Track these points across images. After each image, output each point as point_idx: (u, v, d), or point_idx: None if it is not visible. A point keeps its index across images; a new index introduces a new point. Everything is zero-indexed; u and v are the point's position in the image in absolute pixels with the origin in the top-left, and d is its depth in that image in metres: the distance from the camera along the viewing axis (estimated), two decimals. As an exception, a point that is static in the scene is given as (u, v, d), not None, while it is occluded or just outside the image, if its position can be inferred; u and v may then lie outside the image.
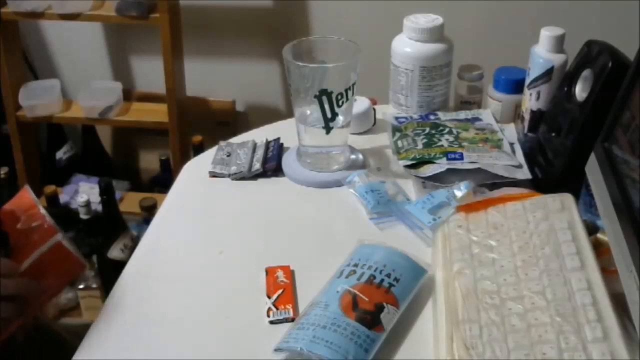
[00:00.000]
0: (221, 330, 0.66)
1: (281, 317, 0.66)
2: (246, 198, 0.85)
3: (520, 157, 0.85)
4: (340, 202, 0.83)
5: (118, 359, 0.63)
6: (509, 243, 0.68)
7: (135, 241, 1.50)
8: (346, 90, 0.80)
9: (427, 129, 0.90)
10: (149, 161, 1.97)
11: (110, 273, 1.51)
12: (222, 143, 0.95)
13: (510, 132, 0.91)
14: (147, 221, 1.40)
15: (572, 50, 0.84)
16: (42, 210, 0.67)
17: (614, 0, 1.53)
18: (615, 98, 0.67)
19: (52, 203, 1.57)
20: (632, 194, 0.59)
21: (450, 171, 0.81)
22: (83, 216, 1.50)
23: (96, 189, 1.61)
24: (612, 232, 0.62)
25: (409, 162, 0.84)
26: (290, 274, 0.71)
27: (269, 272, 0.71)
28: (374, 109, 0.97)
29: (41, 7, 1.59)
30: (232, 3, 1.76)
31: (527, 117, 0.90)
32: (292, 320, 0.65)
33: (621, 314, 0.58)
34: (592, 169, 0.69)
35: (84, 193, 1.66)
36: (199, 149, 1.61)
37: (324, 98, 0.79)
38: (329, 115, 0.81)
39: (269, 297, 0.68)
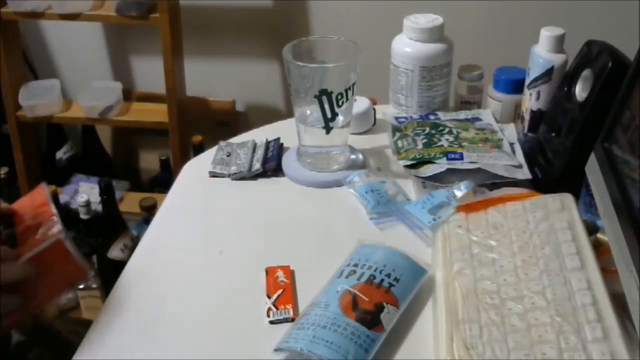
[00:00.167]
0: (221, 330, 0.66)
1: (281, 317, 0.66)
2: (246, 198, 0.85)
3: (520, 157, 0.85)
4: (340, 202, 0.83)
5: (118, 359, 0.63)
6: (509, 243, 0.68)
7: (135, 241, 1.50)
8: (346, 90, 0.80)
9: (427, 129, 0.90)
10: (149, 161, 1.97)
11: (110, 273, 1.51)
12: (222, 143, 0.95)
13: (510, 132, 0.91)
14: (147, 221, 1.40)
15: (572, 50, 0.84)
16: (54, 209, 0.67)
17: (614, 0, 1.53)
18: (615, 98, 0.67)
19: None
20: (632, 194, 0.59)
21: (450, 171, 0.81)
22: (83, 216, 1.50)
23: (96, 189, 1.61)
24: (612, 232, 0.62)
25: (409, 162, 0.84)
26: (290, 274, 0.71)
27: (269, 272, 0.71)
28: (374, 109, 0.97)
29: (41, 7, 1.59)
30: (232, 3, 1.76)
31: (527, 117, 0.90)
32: (292, 320, 0.65)
33: (621, 314, 0.58)
34: (592, 169, 0.69)
35: (84, 193, 1.66)
36: (199, 149, 1.61)
37: (324, 98, 0.79)
38: (329, 115, 0.81)
39: (269, 297, 0.68)
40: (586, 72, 0.79)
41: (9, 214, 0.67)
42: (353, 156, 0.89)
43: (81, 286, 1.55)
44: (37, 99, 1.69)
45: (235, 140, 0.96)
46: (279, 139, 0.94)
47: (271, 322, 0.66)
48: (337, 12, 1.70)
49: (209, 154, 0.93)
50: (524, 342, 0.57)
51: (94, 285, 1.54)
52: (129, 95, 1.86)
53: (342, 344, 0.58)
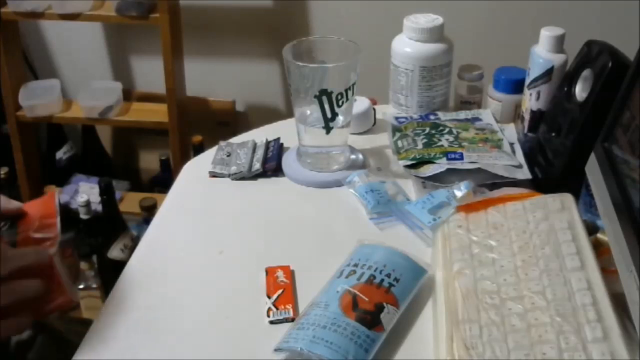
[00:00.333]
0: (221, 330, 0.66)
1: (281, 317, 0.66)
2: (246, 198, 0.85)
3: (520, 157, 0.85)
4: (340, 202, 0.83)
5: (118, 359, 0.63)
6: (509, 243, 0.68)
7: (135, 241, 1.50)
8: (346, 90, 0.80)
9: (427, 129, 0.90)
10: (149, 161, 1.97)
11: (110, 273, 1.51)
12: (222, 143, 0.95)
13: (510, 132, 0.91)
14: (147, 221, 1.40)
15: (572, 50, 0.84)
16: (58, 225, 0.66)
17: (614, 0, 1.53)
18: (615, 98, 0.67)
19: (52, 203, 1.56)
20: (632, 194, 0.59)
21: (450, 171, 0.81)
22: (83, 216, 1.50)
23: (96, 189, 1.61)
24: (612, 232, 0.62)
25: (409, 162, 0.84)
26: (290, 274, 0.71)
27: (269, 272, 0.71)
28: (374, 109, 0.97)
29: (41, 7, 1.59)
30: (232, 3, 1.76)
31: (527, 117, 0.90)
32: (292, 320, 0.65)
33: (621, 314, 0.58)
34: (592, 169, 0.69)
35: (84, 193, 1.66)
36: (199, 149, 1.61)
37: (324, 98, 0.79)
38: (329, 115, 0.81)
39: (269, 297, 0.68)
40: (586, 72, 0.79)
41: (18, 215, 0.67)
42: (353, 156, 0.89)
43: (81, 286, 1.55)
44: (37, 99, 1.69)
45: (235, 140, 0.96)
46: (279, 139, 0.94)
47: (271, 322, 0.66)
48: (337, 12, 1.70)
49: (209, 154, 0.93)
50: (524, 342, 0.57)
51: (94, 285, 1.54)
52: (129, 95, 1.86)
53: (342, 344, 0.58)
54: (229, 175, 0.88)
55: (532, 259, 0.65)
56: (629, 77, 0.65)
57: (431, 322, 0.64)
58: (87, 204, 1.49)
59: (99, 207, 1.54)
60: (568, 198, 0.71)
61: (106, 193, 1.47)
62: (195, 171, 0.91)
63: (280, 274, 0.70)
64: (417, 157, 0.84)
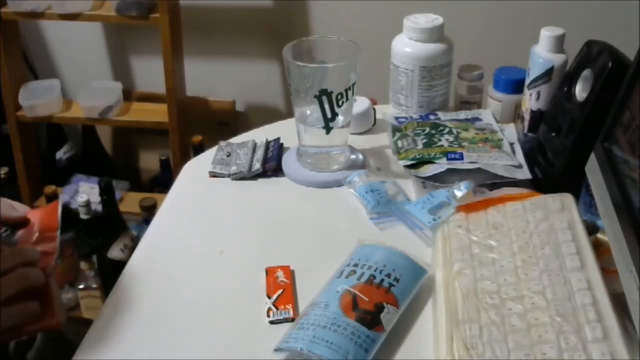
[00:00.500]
0: (221, 330, 0.66)
1: (281, 317, 0.66)
2: (246, 198, 0.85)
3: (520, 157, 0.85)
4: (340, 202, 0.83)
5: (118, 359, 0.63)
6: (509, 243, 0.68)
7: (135, 241, 1.50)
8: (346, 90, 0.80)
9: (427, 129, 0.90)
10: (149, 161, 1.97)
11: (110, 273, 1.51)
12: (222, 143, 0.95)
13: (510, 132, 0.91)
14: (147, 221, 1.40)
15: (572, 50, 0.84)
16: (58, 239, 0.65)
17: (614, 0, 1.53)
18: (615, 98, 0.67)
19: (52, 203, 1.56)
20: (632, 194, 0.59)
21: (450, 171, 0.81)
22: (83, 216, 1.50)
23: (96, 189, 1.61)
24: (612, 232, 0.62)
25: (409, 162, 0.84)
26: (290, 274, 0.71)
27: (269, 272, 0.71)
28: (374, 109, 0.97)
29: (41, 7, 1.59)
30: (232, 3, 1.76)
31: (527, 117, 0.90)
32: (292, 320, 0.65)
33: (621, 314, 0.58)
34: (592, 169, 0.69)
35: (84, 193, 1.66)
36: (199, 149, 1.61)
37: (324, 98, 0.79)
38: (329, 115, 0.81)
39: (269, 297, 0.68)
40: (586, 72, 0.79)
41: (21, 223, 0.66)
42: (353, 156, 0.89)
43: (81, 286, 1.55)
44: (37, 99, 1.69)
45: (235, 140, 0.96)
46: (279, 139, 0.94)
47: (271, 322, 0.66)
48: (337, 12, 1.70)
49: (209, 154, 0.93)
50: (524, 342, 0.57)
51: (94, 285, 1.55)
52: (129, 95, 1.86)
53: (342, 344, 0.58)
54: (229, 175, 0.88)
55: (532, 259, 0.65)
56: (629, 77, 0.65)
57: (431, 322, 0.64)
58: (87, 204, 1.49)
59: (99, 207, 1.54)
60: (568, 198, 0.71)
61: (106, 193, 1.47)
62: (195, 171, 0.91)
63: (280, 274, 0.70)
64: (417, 157, 0.84)
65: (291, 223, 0.80)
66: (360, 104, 0.95)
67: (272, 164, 0.89)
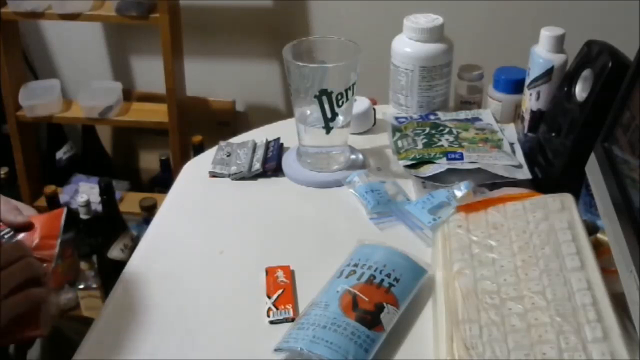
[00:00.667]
0: (221, 330, 0.66)
1: (281, 317, 0.66)
2: (246, 198, 0.85)
3: (520, 157, 0.85)
4: (340, 202, 0.83)
5: (118, 359, 0.63)
6: (509, 243, 0.68)
7: (135, 241, 1.50)
8: (346, 90, 0.80)
9: (427, 129, 0.90)
10: (149, 161, 1.97)
11: (110, 273, 1.51)
12: (222, 143, 0.95)
13: (510, 132, 0.91)
14: (147, 221, 1.40)
15: (572, 50, 0.84)
16: (57, 248, 0.65)
17: (614, 0, 1.53)
18: (615, 98, 0.67)
19: (52, 203, 1.57)
20: (632, 194, 0.59)
21: (450, 171, 0.81)
22: (83, 216, 1.50)
23: (96, 189, 1.61)
24: (612, 232, 0.62)
25: (409, 162, 0.84)
26: (290, 274, 0.71)
27: (269, 272, 0.71)
28: (374, 109, 0.97)
29: (41, 7, 1.59)
30: (232, 3, 1.76)
31: (527, 117, 0.90)
32: (292, 320, 0.65)
33: (621, 314, 0.58)
34: (592, 169, 0.69)
35: (84, 193, 1.66)
36: (199, 149, 1.61)
37: (324, 98, 0.79)
38: (329, 115, 0.81)
39: (269, 297, 0.68)
40: (586, 72, 0.79)
41: (24, 227, 0.66)
42: (353, 156, 0.89)
43: (81, 286, 1.55)
44: (37, 99, 1.69)
45: (235, 140, 0.96)
46: (279, 139, 0.94)
47: (271, 322, 0.66)
48: (337, 12, 1.70)
49: (209, 154, 0.93)
50: (524, 342, 0.57)
51: (94, 285, 1.55)
52: (129, 95, 1.86)
53: (342, 344, 0.58)
54: (229, 175, 0.88)
55: (532, 259, 0.65)
56: (629, 77, 0.65)
57: (431, 322, 0.64)
58: (87, 204, 1.49)
59: (99, 207, 1.54)
60: (568, 198, 0.71)
61: (106, 193, 1.48)
62: (195, 171, 0.91)
63: (280, 274, 0.70)
64: (417, 157, 0.84)
65: (291, 223, 0.80)
66: (360, 104, 0.95)
67: (272, 164, 0.89)
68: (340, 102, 0.80)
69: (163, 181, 1.79)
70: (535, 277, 0.63)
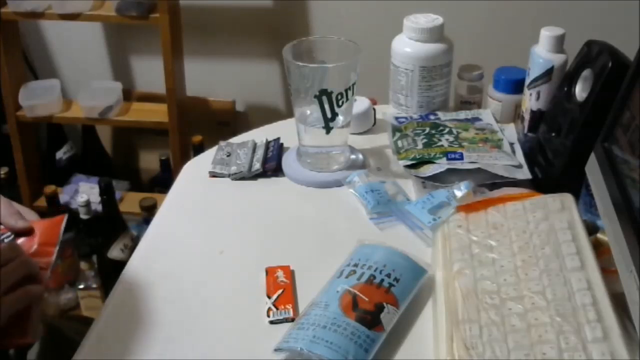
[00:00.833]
0: (221, 330, 0.66)
1: (281, 317, 0.66)
2: (246, 198, 0.85)
3: (520, 157, 0.85)
4: (340, 202, 0.83)
5: (118, 359, 0.63)
6: (509, 243, 0.68)
7: (135, 241, 1.50)
8: (346, 90, 0.80)
9: (427, 129, 0.90)
10: (149, 161, 1.97)
11: (110, 273, 1.51)
12: (222, 143, 0.95)
13: (510, 132, 0.91)
14: (147, 221, 1.40)
15: (572, 50, 0.84)
16: (55, 255, 0.64)
17: (614, 0, 1.53)
18: (615, 98, 0.67)
19: (52, 203, 1.57)
20: (632, 194, 0.59)
21: (450, 171, 0.81)
22: (83, 216, 1.50)
23: (96, 189, 1.61)
24: (612, 232, 0.62)
25: (409, 162, 0.84)
26: (290, 274, 0.71)
27: (269, 272, 0.71)
28: (374, 109, 0.97)
29: (41, 7, 1.59)
30: (232, 3, 1.76)
31: (527, 117, 0.90)
32: (292, 320, 0.65)
33: (621, 314, 0.58)
34: (592, 169, 0.69)
35: (84, 193, 1.66)
36: (199, 149, 1.61)
37: (324, 98, 0.79)
38: (329, 115, 0.81)
39: (269, 297, 0.68)
40: (586, 72, 0.79)
41: (24, 232, 0.66)
42: (353, 156, 0.89)
43: (81, 286, 1.55)
44: (37, 99, 1.69)
45: (235, 140, 0.96)
46: (279, 139, 0.94)
47: (271, 322, 0.66)
48: (337, 12, 1.70)
49: (209, 154, 0.93)
50: (524, 342, 0.57)
51: (94, 285, 1.55)
52: (129, 95, 1.86)
53: (342, 344, 0.58)
54: (229, 175, 0.88)
55: (532, 259, 0.65)
56: (629, 77, 0.65)
57: (431, 322, 0.64)
58: (87, 204, 1.49)
59: (99, 207, 1.54)
60: (568, 198, 0.71)
61: (106, 193, 1.47)
62: (195, 171, 0.91)
63: (280, 274, 0.70)
64: (417, 157, 0.84)
65: (291, 223, 0.80)
66: (360, 104, 0.95)
67: (272, 164, 0.89)
68: (340, 102, 0.80)
69: (163, 181, 1.79)
70: (535, 277, 0.63)
